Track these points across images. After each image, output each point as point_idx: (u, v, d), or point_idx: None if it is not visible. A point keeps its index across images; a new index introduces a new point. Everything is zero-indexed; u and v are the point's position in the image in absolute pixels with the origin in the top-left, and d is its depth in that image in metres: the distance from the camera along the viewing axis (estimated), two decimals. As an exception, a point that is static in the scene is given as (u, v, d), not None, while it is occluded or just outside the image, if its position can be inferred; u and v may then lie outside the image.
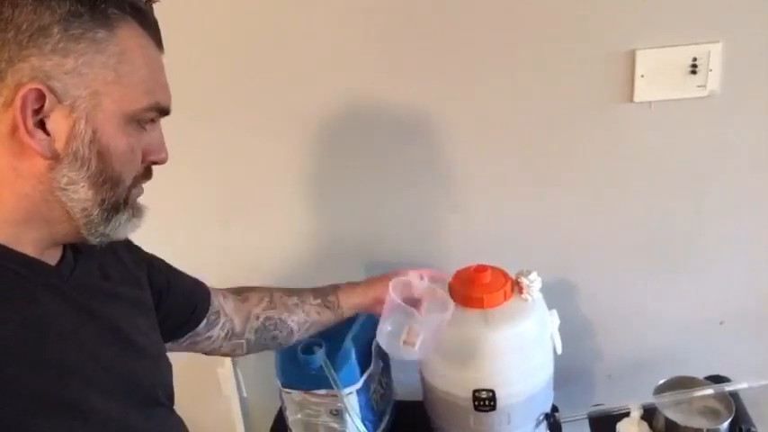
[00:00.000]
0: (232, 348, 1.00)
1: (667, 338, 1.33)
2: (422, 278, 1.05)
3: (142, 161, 0.69)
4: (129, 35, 0.65)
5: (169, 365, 0.82)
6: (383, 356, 1.24)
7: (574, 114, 1.18)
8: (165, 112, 0.70)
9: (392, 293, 0.97)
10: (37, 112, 0.60)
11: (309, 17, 1.18)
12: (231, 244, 1.40)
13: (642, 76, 1.12)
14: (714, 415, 1.08)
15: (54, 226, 0.65)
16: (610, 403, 1.16)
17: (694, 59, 1.10)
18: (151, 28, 0.68)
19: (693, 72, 1.10)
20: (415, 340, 0.97)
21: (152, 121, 0.69)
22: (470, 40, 1.16)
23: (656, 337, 1.34)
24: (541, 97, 1.18)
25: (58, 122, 0.61)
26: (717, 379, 1.14)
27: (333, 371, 1.08)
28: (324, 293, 1.06)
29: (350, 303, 1.06)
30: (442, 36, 1.16)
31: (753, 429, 1.07)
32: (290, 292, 1.06)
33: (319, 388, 1.11)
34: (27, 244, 0.64)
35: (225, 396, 1.57)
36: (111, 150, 0.64)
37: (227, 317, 0.98)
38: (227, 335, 0.98)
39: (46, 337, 0.62)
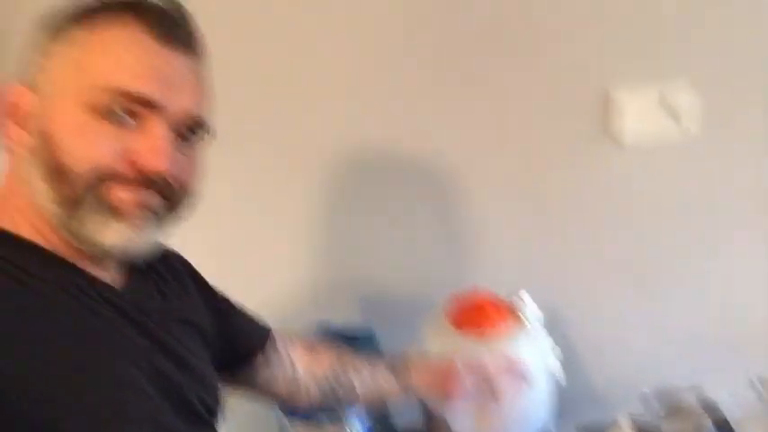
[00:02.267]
0: (290, 395, 0.99)
1: (656, 353, 1.40)
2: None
3: (128, 162, 0.64)
4: (107, 30, 0.64)
5: (218, 386, 0.81)
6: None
7: (561, 153, 1.26)
8: (138, 100, 0.63)
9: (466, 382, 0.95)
10: (19, 113, 0.64)
11: (323, 60, 1.23)
12: (229, 272, 1.39)
13: (624, 115, 1.20)
14: (702, 427, 1.14)
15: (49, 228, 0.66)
16: (601, 418, 1.21)
17: (674, 103, 1.18)
18: (150, 21, 0.65)
19: (673, 116, 1.18)
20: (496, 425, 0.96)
21: (130, 114, 0.64)
22: (472, 85, 1.23)
23: (645, 353, 1.40)
24: (533, 136, 1.25)
25: (24, 117, 0.64)
26: (702, 391, 1.19)
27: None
28: (395, 366, 1.02)
29: (419, 384, 1.01)
30: (449, 81, 1.23)
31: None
32: (364, 361, 1.02)
33: (322, 420, 1.12)
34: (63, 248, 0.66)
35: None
36: (57, 140, 0.62)
37: (290, 361, 0.97)
38: (287, 381, 0.97)
39: (101, 350, 0.63)
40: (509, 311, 1.12)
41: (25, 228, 0.65)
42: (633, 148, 1.23)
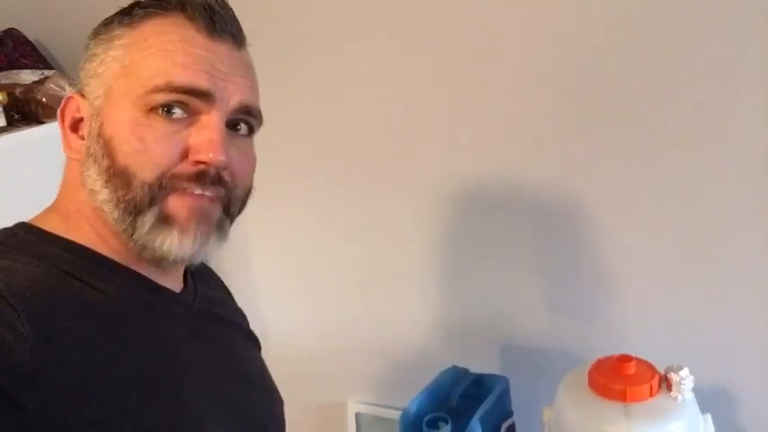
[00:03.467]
0: None
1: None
2: None
3: (185, 159, 0.63)
4: (148, 27, 0.64)
5: (281, 401, 0.81)
6: None
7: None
8: (190, 92, 0.62)
9: None
10: (77, 121, 0.65)
11: (444, 89, 1.22)
12: (362, 313, 1.42)
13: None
14: None
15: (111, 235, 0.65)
16: None
17: None
18: (194, 14, 0.64)
19: None
20: None
21: (183, 109, 0.63)
22: (611, 113, 1.14)
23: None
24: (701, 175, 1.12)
25: (85, 125, 0.65)
26: None
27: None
28: None
29: None
30: (583, 110, 1.15)
31: None
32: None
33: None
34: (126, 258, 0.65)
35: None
36: (114, 143, 0.62)
37: None
38: None
39: (167, 367, 0.63)
40: (657, 382, 1.00)
41: (90, 236, 0.64)
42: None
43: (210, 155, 0.62)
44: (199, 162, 0.62)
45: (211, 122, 0.63)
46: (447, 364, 1.22)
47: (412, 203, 1.30)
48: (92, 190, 0.63)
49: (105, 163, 0.62)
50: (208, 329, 0.71)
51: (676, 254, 1.17)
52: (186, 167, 0.62)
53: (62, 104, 0.66)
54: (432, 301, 1.35)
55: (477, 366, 1.21)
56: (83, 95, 0.65)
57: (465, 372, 1.20)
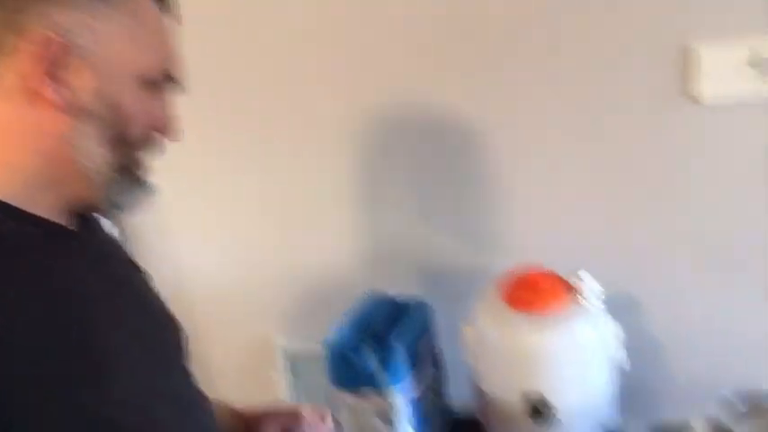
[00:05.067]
0: None
1: (739, 353, 1.26)
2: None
3: (150, 129, 0.70)
4: (142, 4, 0.67)
5: (182, 329, 0.81)
6: (436, 364, 1.22)
7: (632, 116, 1.15)
8: (175, 82, 0.71)
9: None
10: (55, 64, 0.60)
11: (350, 21, 1.20)
12: (282, 247, 1.41)
13: (705, 74, 1.08)
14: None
15: (69, 189, 0.66)
16: (676, 418, 1.12)
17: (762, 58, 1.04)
18: None
19: (760, 71, 1.05)
20: None
21: (159, 89, 0.69)
22: (518, 40, 1.15)
23: (727, 352, 1.26)
24: (600, 96, 1.15)
25: (74, 76, 0.62)
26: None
27: (382, 369, 1.07)
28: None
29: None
30: (489, 37, 1.16)
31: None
32: None
33: (368, 386, 1.10)
34: (44, 208, 0.64)
35: (277, 399, 1.57)
36: (123, 108, 0.65)
37: None
38: None
39: (72, 305, 0.62)
40: (567, 291, 1.05)
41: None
42: (715, 108, 1.10)
43: (170, 127, 0.71)
44: (158, 132, 0.70)
45: (172, 102, 0.72)
46: (367, 290, 1.23)
47: (324, 133, 1.28)
48: (81, 147, 0.64)
49: (109, 124, 0.64)
50: (113, 269, 0.72)
51: (580, 170, 1.22)
52: (157, 137, 0.71)
53: (43, 43, 0.60)
54: (350, 230, 1.35)
55: (397, 292, 1.23)
56: (69, 42, 0.61)
57: (386, 297, 1.21)
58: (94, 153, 0.64)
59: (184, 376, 0.77)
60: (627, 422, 1.13)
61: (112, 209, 0.70)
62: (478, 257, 1.30)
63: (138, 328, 0.69)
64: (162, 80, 0.68)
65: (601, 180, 1.21)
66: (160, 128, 0.70)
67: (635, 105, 1.14)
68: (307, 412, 0.94)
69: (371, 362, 1.06)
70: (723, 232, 1.20)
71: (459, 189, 1.28)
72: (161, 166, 0.74)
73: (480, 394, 1.12)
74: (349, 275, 1.35)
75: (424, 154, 1.27)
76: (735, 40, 1.05)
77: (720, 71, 1.07)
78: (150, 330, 0.72)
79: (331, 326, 1.14)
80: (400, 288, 1.24)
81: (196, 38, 1.25)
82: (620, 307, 1.10)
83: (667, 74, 1.10)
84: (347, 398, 1.13)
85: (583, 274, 1.04)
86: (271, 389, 1.54)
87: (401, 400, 1.09)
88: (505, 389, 1.06)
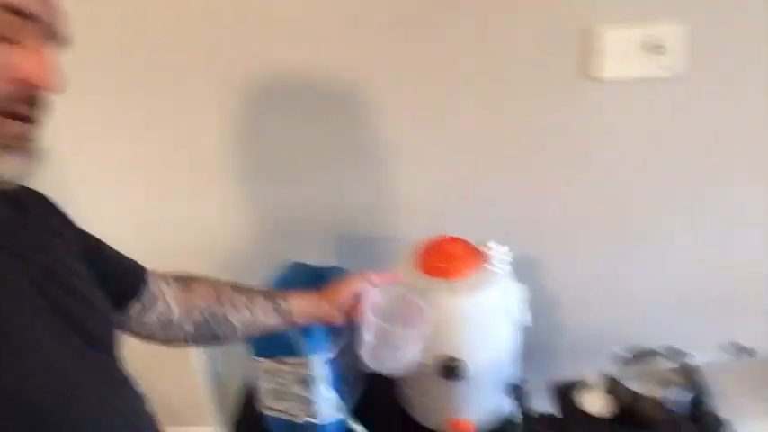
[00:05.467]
0: (167, 338, 0.95)
1: (629, 311, 1.37)
2: (380, 284, 1.01)
3: (15, 83, 0.60)
4: None
5: (111, 318, 0.79)
6: (352, 326, 1.26)
7: (538, 92, 1.22)
8: (24, 15, 0.60)
9: (369, 314, 0.96)
10: None
11: None
12: (175, 216, 1.41)
13: (605, 54, 1.15)
14: (674, 386, 1.12)
15: None
16: (572, 374, 1.20)
17: (659, 40, 1.13)
18: None
19: (658, 52, 1.13)
20: (400, 355, 0.97)
21: (17, 32, 0.60)
22: (419, 17, 1.18)
23: (618, 311, 1.37)
24: (504, 71, 1.21)
25: None
26: (675, 352, 1.17)
27: (303, 338, 1.09)
28: (275, 297, 1.01)
29: (302, 312, 1.01)
30: (394, 8, 1.18)
31: (710, 400, 1.11)
32: (240, 289, 1.00)
33: (290, 356, 1.13)
34: None
35: (192, 370, 1.58)
36: None
37: (166, 303, 0.92)
38: (163, 323, 0.92)
39: None
40: (477, 257, 1.11)
41: None
42: (614, 85, 1.18)
43: (44, 77, 0.62)
44: (33, 87, 0.62)
45: (40, 46, 0.63)
46: (283, 261, 1.26)
47: (218, 103, 1.28)
48: None
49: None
50: (20, 248, 0.68)
51: (488, 142, 1.28)
52: (20, 92, 0.61)
53: None
54: (266, 201, 1.37)
55: (314, 260, 1.26)
56: None
57: (304, 266, 1.24)
58: None
59: (99, 354, 0.73)
60: (528, 378, 1.21)
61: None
62: (392, 226, 1.34)
63: (46, 301, 0.66)
64: (8, 19, 0.59)
65: (507, 152, 1.28)
66: (33, 81, 0.61)
67: (540, 82, 1.21)
68: (373, 276, 1.02)
69: (292, 331, 1.09)
70: (619, 198, 1.29)
71: (371, 160, 1.31)
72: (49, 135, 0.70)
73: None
74: (267, 246, 1.37)
75: (334, 125, 1.29)
76: (631, 25, 1.13)
77: (618, 52, 1.14)
78: (60, 302, 0.68)
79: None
80: (318, 257, 1.27)
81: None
82: (523, 270, 1.17)
83: (569, 54, 1.17)
84: (267, 364, 1.16)
85: (491, 243, 1.10)
86: (187, 359, 1.55)
87: (320, 365, 1.13)
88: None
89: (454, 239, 1.12)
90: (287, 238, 1.37)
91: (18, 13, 0.60)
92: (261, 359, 1.17)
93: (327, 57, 1.22)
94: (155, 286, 0.92)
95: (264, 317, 0.99)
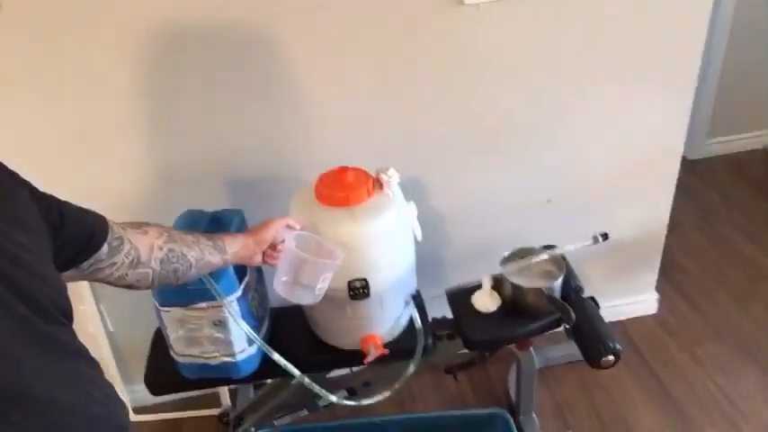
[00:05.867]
0: (137, 278, 0.97)
1: (506, 219, 1.52)
2: (295, 227, 1.11)
3: None
4: None
5: (63, 285, 0.78)
6: (257, 267, 1.29)
7: (409, 19, 1.28)
8: None
9: (289, 243, 1.05)
10: None
11: None
12: (78, 166, 1.36)
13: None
14: (550, 275, 1.27)
15: None
16: (464, 280, 1.32)
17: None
18: None
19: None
20: (313, 285, 1.07)
21: None
22: None
23: (499, 220, 1.52)
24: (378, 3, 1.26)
25: None
26: (549, 247, 1.32)
27: (213, 282, 1.11)
28: (213, 238, 1.07)
29: (234, 252, 1.08)
30: None
31: (578, 283, 1.28)
32: (184, 231, 1.05)
33: (200, 301, 1.14)
34: None
35: (90, 334, 1.54)
36: None
37: (131, 244, 0.94)
38: (132, 262, 0.95)
39: None
40: (372, 184, 1.17)
41: None
42: (474, 7, 1.27)
43: None
44: None
45: None
46: (182, 209, 1.25)
47: (114, 49, 1.25)
48: None
49: None
50: None
51: (366, 71, 1.33)
52: None
53: None
54: (155, 151, 1.34)
55: (210, 206, 1.26)
56: None
57: (201, 212, 1.24)
58: None
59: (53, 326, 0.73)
60: (426, 289, 1.32)
61: None
62: (286, 165, 1.37)
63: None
64: None
65: (386, 80, 1.34)
66: None
67: (411, 10, 1.27)
68: (290, 219, 1.11)
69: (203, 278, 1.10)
70: (492, 121, 1.41)
71: (260, 101, 1.32)
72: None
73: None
74: (160, 196, 1.34)
75: (221, 68, 1.28)
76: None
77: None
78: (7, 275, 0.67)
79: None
80: (215, 203, 1.27)
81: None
82: (412, 192, 1.26)
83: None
84: (176, 313, 1.17)
85: (389, 170, 1.17)
86: (83, 324, 1.50)
87: (231, 305, 1.15)
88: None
89: (348, 168, 1.17)
90: (187, 187, 1.35)
91: None
92: (169, 308, 1.17)
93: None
94: (116, 229, 0.93)
95: (210, 255, 1.05)
